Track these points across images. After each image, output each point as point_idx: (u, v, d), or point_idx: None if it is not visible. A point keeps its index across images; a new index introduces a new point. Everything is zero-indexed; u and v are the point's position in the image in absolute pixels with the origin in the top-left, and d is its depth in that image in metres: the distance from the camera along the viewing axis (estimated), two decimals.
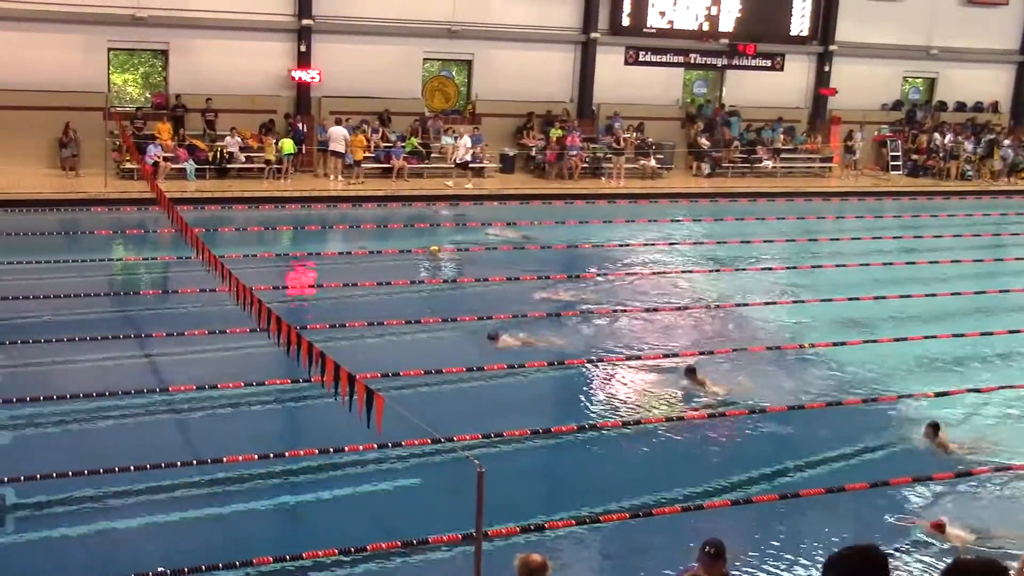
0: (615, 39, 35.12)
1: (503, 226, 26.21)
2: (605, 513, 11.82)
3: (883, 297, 21.35)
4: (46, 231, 24.31)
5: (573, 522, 11.62)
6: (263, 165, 30.06)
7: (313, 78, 31.57)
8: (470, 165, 31.25)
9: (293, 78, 31.60)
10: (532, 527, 11.34)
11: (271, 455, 12.86)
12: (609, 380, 16.46)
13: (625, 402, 15.43)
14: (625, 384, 16.36)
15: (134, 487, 12.06)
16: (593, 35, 34.76)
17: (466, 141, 30.90)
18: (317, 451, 13.03)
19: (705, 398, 15.43)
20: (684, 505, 12.14)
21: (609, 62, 35.20)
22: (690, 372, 15.93)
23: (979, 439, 14.45)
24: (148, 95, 31.67)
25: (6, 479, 11.95)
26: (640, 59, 35.57)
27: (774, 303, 21.21)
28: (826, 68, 38.47)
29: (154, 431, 13.93)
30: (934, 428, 14.12)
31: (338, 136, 30.30)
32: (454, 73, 34.97)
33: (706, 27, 35.80)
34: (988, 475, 13.30)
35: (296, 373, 13.11)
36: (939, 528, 11.52)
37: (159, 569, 10.14)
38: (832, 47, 38.18)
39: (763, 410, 15.00)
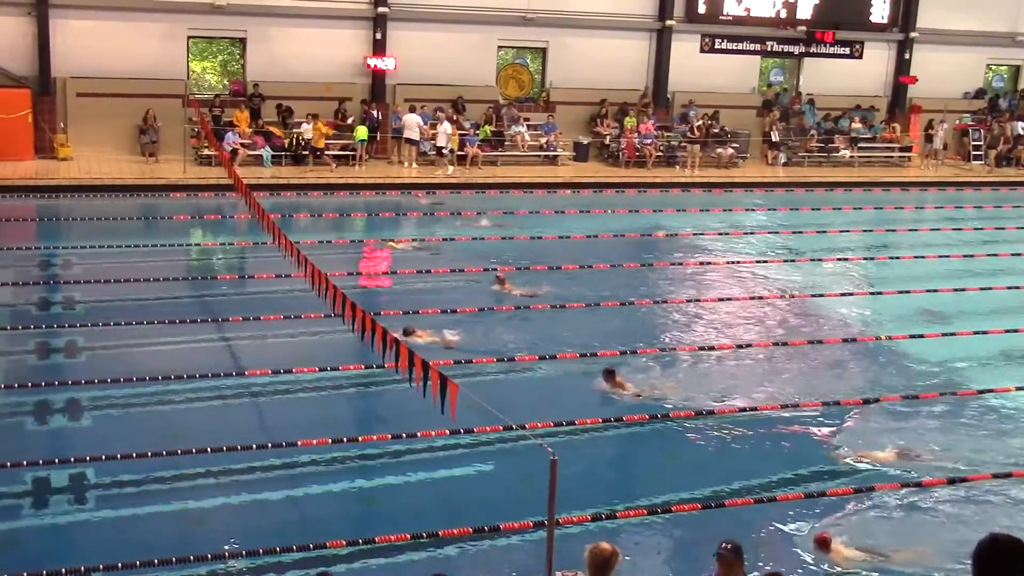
0: (691, 27, 34.82)
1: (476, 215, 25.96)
2: (677, 503, 11.78)
3: (963, 289, 20.96)
4: (126, 216, 24.73)
5: (644, 511, 11.59)
6: (338, 152, 30.32)
7: (388, 66, 31.73)
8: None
9: (368, 66, 31.78)
10: (603, 515, 11.33)
11: (344, 440, 12.98)
12: (682, 370, 16.35)
13: (698, 391, 15.32)
14: (698, 374, 16.24)
15: (210, 469, 12.25)
16: (668, 22, 34.50)
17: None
18: (390, 436, 13.14)
19: (627, 399, 14.77)
20: (757, 497, 12.05)
21: (684, 50, 34.92)
22: (608, 374, 14.95)
23: None
24: (226, 83, 32.08)
25: (88, 458, 12.21)
26: (716, 47, 35.24)
27: (850, 294, 20.92)
28: (907, 55, 37.81)
29: (230, 414, 14.14)
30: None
31: (412, 123, 30.44)
32: (528, 61, 34.93)
33: (784, 14, 35.36)
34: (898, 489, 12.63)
35: (370, 359, 13.21)
36: (823, 543, 10.74)
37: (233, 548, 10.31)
38: (913, 34, 37.50)
39: (837, 403, 14.82)
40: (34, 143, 28.57)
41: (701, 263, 23.03)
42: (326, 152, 29.79)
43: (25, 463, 12.13)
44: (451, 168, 30.09)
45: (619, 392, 14.81)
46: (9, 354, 16.02)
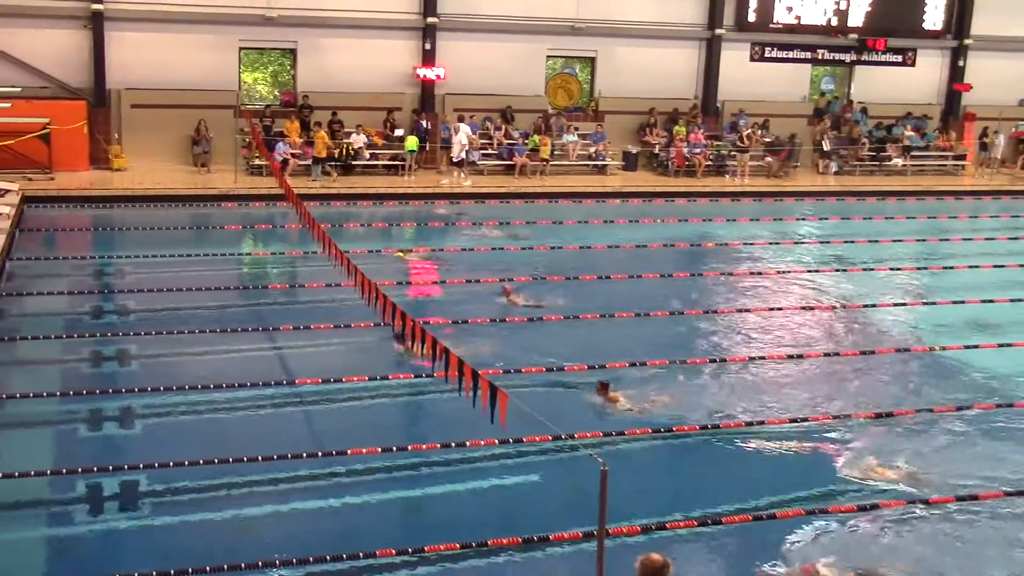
0: (740, 35, 34.68)
1: (495, 225, 25.76)
2: (727, 514, 11.67)
3: (1019, 299, 20.64)
4: (179, 226, 24.99)
5: (695, 522, 11.50)
6: (388, 161, 30.48)
7: (438, 76, 31.85)
8: (469, 161, 30.88)
9: (418, 76, 31.94)
10: (653, 526, 11.25)
11: (394, 448, 13.00)
12: (732, 380, 16.23)
13: (748, 403, 15.19)
14: (748, 385, 16.11)
15: (260, 477, 12.31)
16: (718, 31, 34.38)
17: (461, 137, 30.44)
18: (439, 445, 13.13)
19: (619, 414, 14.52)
20: (808, 508, 11.91)
21: (734, 58, 34.78)
22: (602, 387, 14.70)
23: None
24: (277, 93, 32.35)
25: (141, 465, 12.32)
26: (766, 55, 35.07)
27: (903, 304, 20.68)
28: (960, 63, 37.39)
29: (280, 422, 14.20)
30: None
31: (461, 133, 30.50)
32: (577, 70, 34.93)
33: (835, 22, 35.11)
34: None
35: (419, 368, 13.23)
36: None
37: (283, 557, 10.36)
38: (967, 41, 37.09)
39: (890, 414, 14.63)
40: (89, 154, 28.98)
41: (751, 273, 22.86)
42: (350, 161, 29.93)
43: (79, 470, 12.26)
44: (468, 182, 29.98)
45: (612, 406, 14.54)
46: (64, 362, 16.20)
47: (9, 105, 26.49)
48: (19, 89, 27.73)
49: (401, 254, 22.42)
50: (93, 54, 29.17)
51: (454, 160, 30.19)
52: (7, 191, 24.14)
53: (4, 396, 14.39)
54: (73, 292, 19.45)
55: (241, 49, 31.21)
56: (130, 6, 29.18)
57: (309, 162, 29.74)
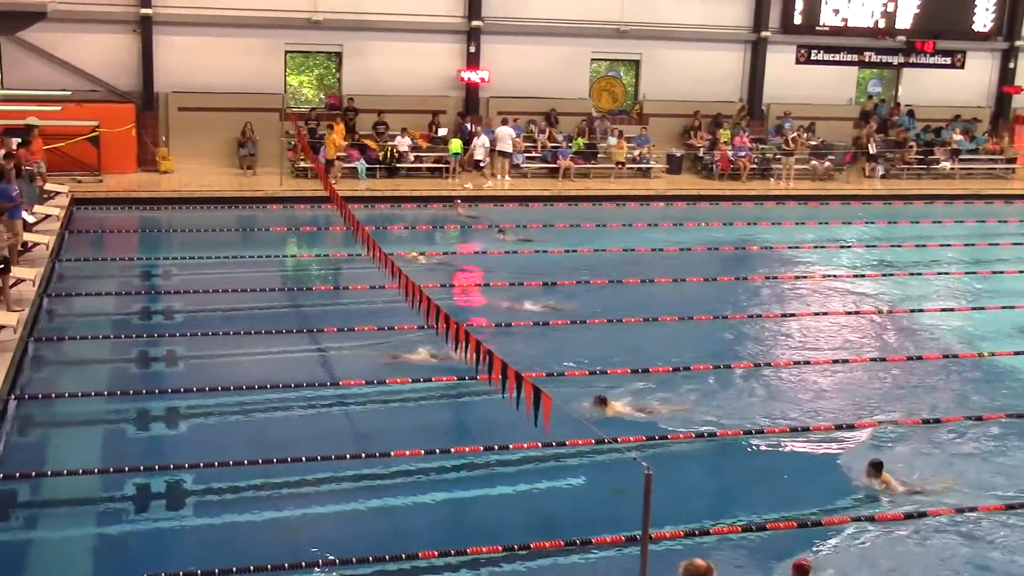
0: (786, 38, 34.47)
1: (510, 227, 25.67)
2: (772, 520, 11.59)
3: None
4: (224, 228, 25.17)
5: (739, 528, 11.43)
6: (432, 164, 30.58)
7: (482, 78, 31.91)
8: (513, 164, 30.76)
9: (462, 79, 32.01)
10: (697, 532, 11.20)
11: (437, 451, 13.03)
12: (776, 385, 16.12)
13: (792, 407, 15.08)
14: (792, 389, 16.00)
15: (304, 478, 12.39)
16: (764, 34, 34.19)
17: (484, 141, 30.39)
18: (482, 448, 13.15)
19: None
20: (854, 515, 11.80)
21: (780, 61, 34.57)
22: (600, 401, 14.30)
23: None
24: (322, 96, 32.54)
25: (187, 465, 12.44)
26: (812, 58, 34.83)
27: (951, 309, 20.43)
28: (1011, 65, 36.92)
29: (324, 424, 14.28)
30: (876, 467, 12.60)
31: (504, 136, 30.53)
32: (622, 73, 34.86)
33: (882, 24, 34.81)
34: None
35: (463, 370, 13.25)
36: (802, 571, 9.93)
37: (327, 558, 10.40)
38: (1018, 43, 36.63)
39: (937, 420, 14.48)
40: (137, 156, 29.28)
41: (796, 277, 22.71)
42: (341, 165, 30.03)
43: (126, 469, 12.39)
44: (489, 184, 29.88)
45: (607, 416, 14.20)
46: (111, 362, 16.38)
47: (60, 108, 26.80)
48: (69, 93, 28.07)
49: (415, 256, 22.46)
50: (142, 58, 29.49)
51: (477, 164, 30.17)
52: (57, 193, 24.43)
53: (54, 395, 14.57)
54: (120, 293, 19.65)
55: (287, 52, 31.42)
56: (178, 10, 29.46)
57: (355, 164, 29.87)
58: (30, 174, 21.46)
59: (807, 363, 16.95)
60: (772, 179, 33.09)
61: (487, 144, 30.11)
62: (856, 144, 34.63)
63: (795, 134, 33.80)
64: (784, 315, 19.86)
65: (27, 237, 19.64)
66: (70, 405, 14.39)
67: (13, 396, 13.87)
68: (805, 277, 22.68)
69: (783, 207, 30.50)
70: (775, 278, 22.54)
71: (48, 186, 23.76)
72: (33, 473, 12.27)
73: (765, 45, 34.36)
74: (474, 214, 21.49)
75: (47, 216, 21.99)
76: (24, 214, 19.60)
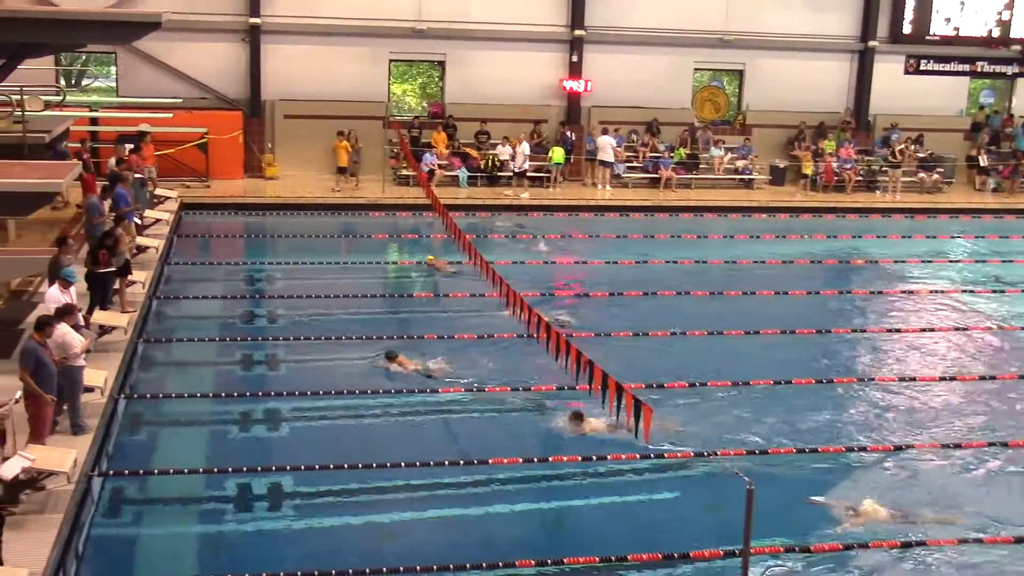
0: (895, 47, 33.77)
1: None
2: (875, 539, 11.35)
3: None
4: (327, 234, 25.52)
5: (840, 545, 11.21)
6: (534, 173, 30.63)
7: (584, 88, 31.87)
8: (527, 174, 30.30)
9: (564, 88, 32.00)
10: (797, 548, 11.01)
11: (535, 459, 13.02)
12: (880, 402, 15.80)
13: (897, 425, 14.77)
14: (897, 406, 15.65)
15: (401, 483, 12.48)
16: (871, 43, 33.55)
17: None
18: (580, 458, 13.09)
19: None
20: (961, 536, 11.50)
21: (887, 71, 33.87)
22: (576, 417, 14.08)
23: None
24: (425, 105, 32.81)
25: (288, 467, 12.61)
26: (921, 68, 34.03)
27: None
28: None
29: (422, 429, 14.36)
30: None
31: (606, 145, 30.44)
32: (725, 83, 34.54)
33: (996, 33, 33.88)
34: None
35: (562, 380, 13.22)
36: None
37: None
38: None
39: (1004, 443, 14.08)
40: (243, 163, 29.82)
41: (902, 291, 22.22)
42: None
43: (229, 469, 12.61)
44: (525, 193, 29.61)
45: (585, 432, 13.97)
46: (216, 364, 16.71)
47: (171, 115, 27.43)
48: (181, 100, 28.70)
49: (431, 259, 22.45)
50: (250, 66, 30.04)
51: (516, 172, 30.00)
52: (166, 198, 24.99)
53: (160, 396, 14.90)
54: (226, 296, 20.03)
55: (391, 61, 31.75)
56: (286, 20, 29.96)
57: (456, 173, 30.04)
58: (142, 179, 22.01)
59: (912, 379, 16.59)
60: (878, 191, 32.45)
61: (527, 152, 29.99)
62: (967, 157, 33.80)
63: (902, 146, 33.10)
64: (889, 330, 19.47)
65: (138, 241, 20.12)
66: (176, 405, 14.72)
67: (123, 396, 14.21)
68: (912, 292, 22.17)
69: (889, 220, 29.88)
70: (880, 292, 22.09)
71: (158, 191, 24.33)
72: (140, 471, 12.56)
73: (873, 55, 33.73)
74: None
75: (157, 220, 22.51)
76: (135, 218, 20.09)
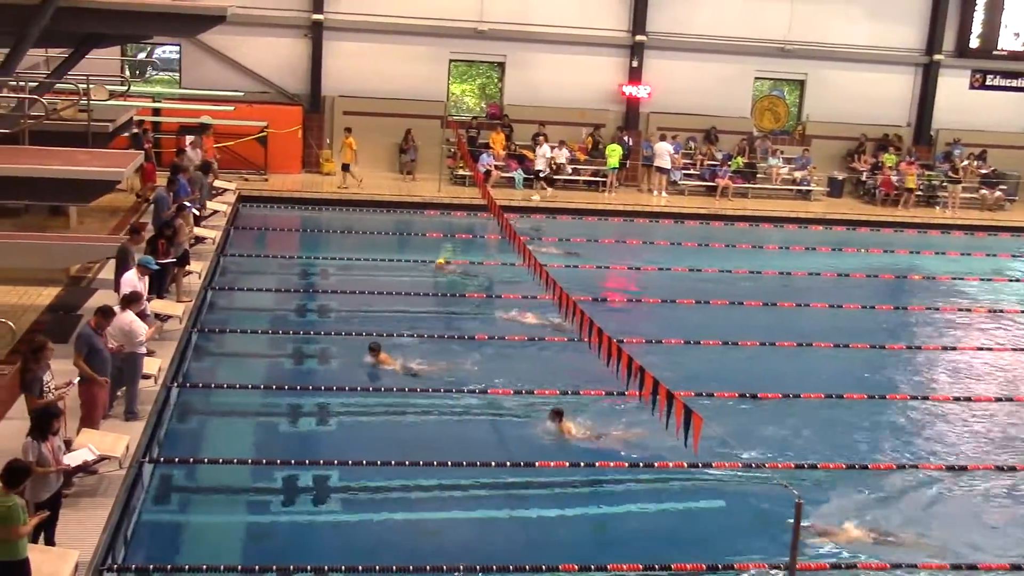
0: (960, 61, 33.34)
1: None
2: (923, 561, 11.19)
3: None
4: (382, 231, 25.61)
5: (887, 565, 11.07)
6: (590, 178, 30.59)
7: (644, 94, 31.77)
8: (671, 180, 30.36)
9: (623, 93, 31.92)
10: (843, 564, 10.90)
11: (581, 464, 13.00)
12: (933, 421, 15.60)
13: (950, 444, 14.57)
14: (951, 426, 15.45)
15: (446, 482, 12.51)
16: (936, 57, 33.15)
17: (545, 150, 29.87)
18: (627, 464, 13.05)
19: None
20: (1014, 562, 11.31)
21: (952, 85, 33.45)
22: (556, 415, 14.07)
23: None
24: (483, 105, 32.87)
25: (336, 461, 12.69)
26: (987, 83, 33.58)
27: None
28: None
29: (469, 429, 14.38)
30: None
31: (663, 152, 30.32)
32: (786, 92, 34.29)
33: None
34: None
35: (613, 385, 13.16)
36: None
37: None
38: None
39: None
40: (302, 157, 30.04)
41: (959, 309, 21.90)
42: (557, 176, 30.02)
43: (277, 461, 12.71)
44: (536, 196, 29.35)
45: (566, 436, 13.95)
46: (268, 356, 16.84)
47: (232, 108, 27.70)
48: (242, 94, 28.99)
49: (442, 261, 22.40)
50: (311, 62, 30.29)
51: (539, 174, 29.83)
52: (225, 190, 25.22)
53: (212, 385, 15.05)
54: (279, 289, 20.20)
55: (451, 61, 31.84)
56: (349, 17, 30.15)
57: (512, 174, 30.06)
58: (206, 167, 22.28)
59: (967, 399, 16.37)
60: (937, 207, 32.04)
61: (549, 155, 29.87)
62: None
63: (965, 162, 32.66)
64: (945, 347, 19.21)
65: (196, 231, 20.33)
66: (226, 396, 14.85)
67: (176, 384, 14.36)
68: (969, 310, 21.86)
69: (948, 236, 29.48)
70: (937, 309, 21.79)
71: (217, 183, 24.57)
72: (190, 459, 12.69)
73: (937, 68, 33.32)
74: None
75: (215, 212, 22.73)
76: (194, 209, 20.29)
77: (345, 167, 28.34)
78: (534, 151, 30.44)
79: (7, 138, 15.28)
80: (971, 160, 32.87)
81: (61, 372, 11.33)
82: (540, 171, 29.69)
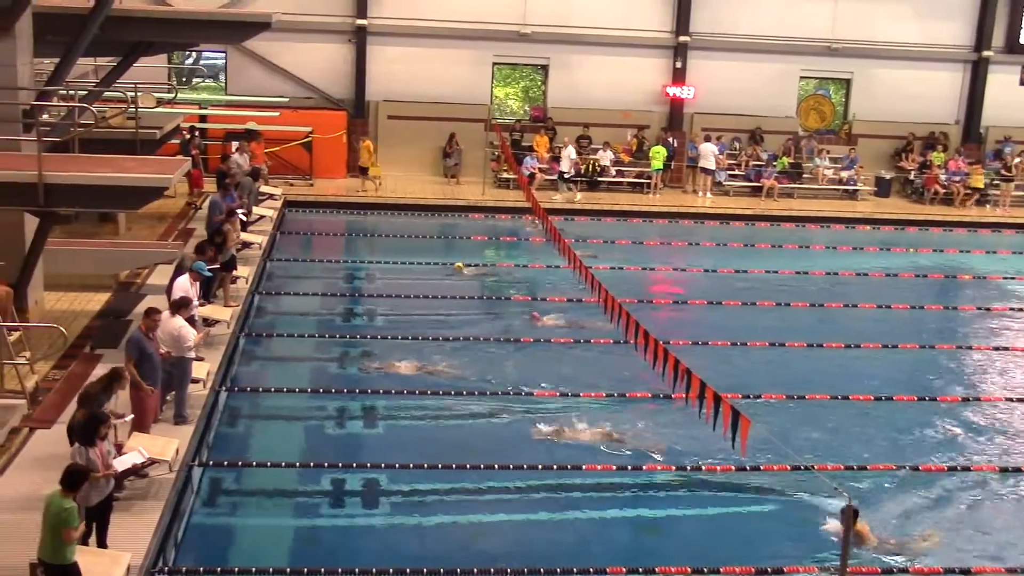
0: (1011, 57, 32.89)
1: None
2: (977, 565, 11.04)
3: None
4: (427, 235, 25.69)
5: (940, 569, 10.94)
6: (634, 179, 30.51)
7: (687, 95, 31.64)
8: (716, 181, 30.20)
9: (667, 94, 31.79)
10: (895, 569, 10.78)
11: (628, 467, 12.95)
12: (985, 421, 15.40)
13: (1002, 447, 14.37)
14: (1004, 426, 15.25)
15: (494, 484, 12.51)
16: (985, 53, 32.72)
17: (570, 152, 29.54)
18: (674, 467, 13.00)
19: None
20: None
21: (1002, 82, 32.99)
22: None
23: None
24: (527, 108, 32.87)
25: (383, 464, 12.74)
26: None
27: None
28: None
29: (516, 432, 14.37)
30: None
31: (707, 153, 30.17)
32: (831, 91, 34.00)
33: None
34: None
35: (658, 387, 13.12)
36: None
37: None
38: None
39: None
40: (346, 162, 30.18)
41: (1011, 309, 21.61)
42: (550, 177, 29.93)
43: (325, 464, 12.78)
44: (558, 196, 29.13)
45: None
46: (314, 360, 16.94)
47: (278, 114, 27.90)
48: (287, 99, 29.20)
49: (459, 266, 22.31)
50: (355, 67, 30.44)
51: (564, 176, 29.63)
52: (271, 195, 25.40)
53: (260, 389, 15.15)
54: (325, 294, 20.31)
55: (494, 64, 31.87)
56: (392, 21, 30.27)
57: (555, 177, 30.03)
58: (255, 173, 22.46)
59: (1020, 400, 16.14)
60: (988, 205, 31.63)
61: (573, 156, 29.69)
62: None
63: (1017, 159, 32.22)
64: (996, 348, 18.96)
65: (243, 237, 20.47)
66: (274, 399, 14.94)
67: (224, 388, 14.48)
68: (1021, 309, 21.55)
69: (999, 235, 29.10)
70: (987, 309, 21.51)
71: (263, 188, 24.75)
72: (239, 463, 12.79)
73: (987, 65, 32.89)
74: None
75: (261, 217, 22.89)
76: (241, 215, 20.44)
77: (363, 170, 28.44)
78: (579, 154, 30.36)
79: (58, 146, 15.48)
80: (1022, 158, 32.42)
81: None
82: (564, 172, 29.59)
